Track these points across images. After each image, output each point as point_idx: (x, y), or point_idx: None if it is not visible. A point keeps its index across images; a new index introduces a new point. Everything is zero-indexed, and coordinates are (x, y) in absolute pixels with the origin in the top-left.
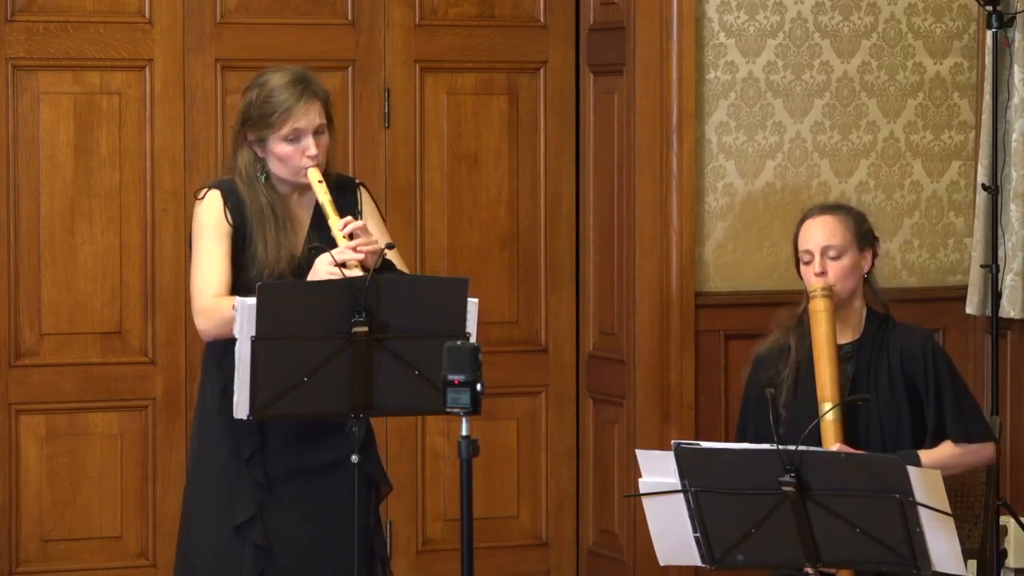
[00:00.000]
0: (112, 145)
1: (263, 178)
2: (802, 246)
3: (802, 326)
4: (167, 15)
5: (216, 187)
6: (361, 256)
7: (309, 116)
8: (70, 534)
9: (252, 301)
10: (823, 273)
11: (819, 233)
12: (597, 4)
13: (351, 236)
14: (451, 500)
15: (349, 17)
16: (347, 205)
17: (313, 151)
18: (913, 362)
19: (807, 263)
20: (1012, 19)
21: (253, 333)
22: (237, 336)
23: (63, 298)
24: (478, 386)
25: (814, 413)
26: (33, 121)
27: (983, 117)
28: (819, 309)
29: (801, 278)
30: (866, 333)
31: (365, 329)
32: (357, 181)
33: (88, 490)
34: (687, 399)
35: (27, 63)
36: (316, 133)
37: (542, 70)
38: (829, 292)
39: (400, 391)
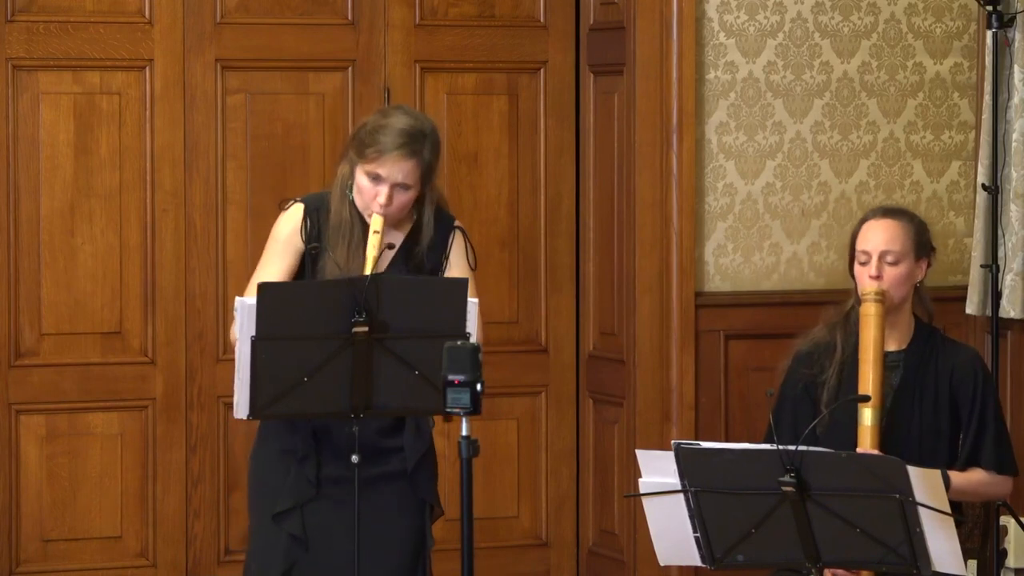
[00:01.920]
0: (112, 145)
1: (351, 195)
2: (860, 246)
3: (849, 324)
4: (167, 15)
5: (303, 201)
6: None
7: (393, 169)
8: (70, 534)
9: (252, 301)
10: (878, 277)
11: (879, 237)
12: (597, 4)
13: None
14: (451, 500)
15: (349, 17)
16: (437, 244)
17: (383, 200)
18: (962, 383)
19: (863, 264)
20: (1012, 19)
21: (253, 333)
22: (237, 336)
23: (63, 298)
24: (478, 386)
25: (855, 415)
26: (33, 121)
27: (983, 117)
28: (869, 313)
29: (853, 277)
30: (914, 344)
31: (365, 329)
32: (456, 224)
33: (88, 490)
34: (687, 399)
35: (27, 63)
36: (397, 187)
37: (542, 70)
38: (881, 297)
39: (400, 391)
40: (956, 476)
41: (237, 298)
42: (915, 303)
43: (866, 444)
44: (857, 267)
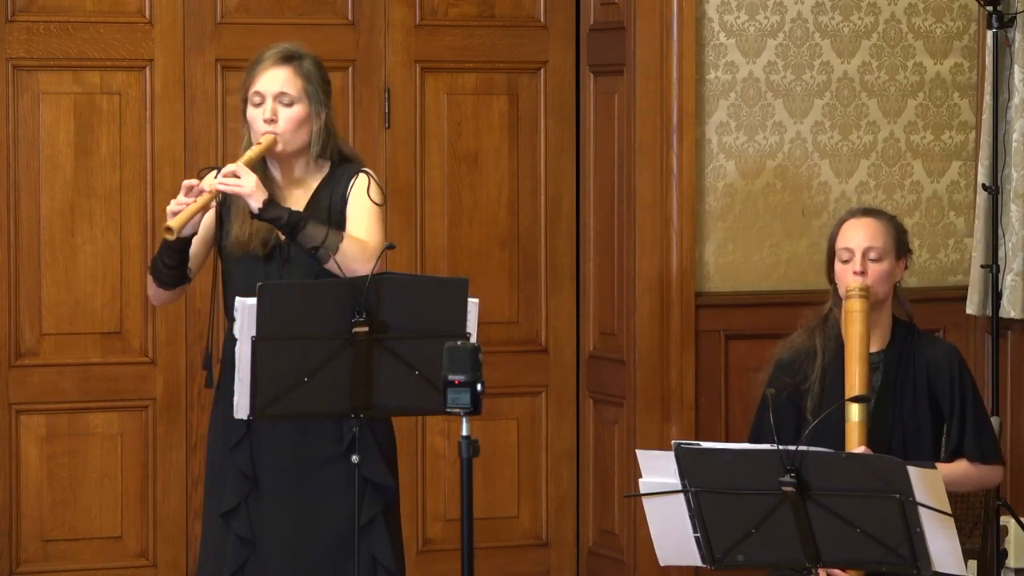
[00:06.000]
0: (112, 145)
1: None
2: (842, 244)
3: (827, 327)
4: (167, 15)
5: (215, 168)
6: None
7: (270, 80)
8: (70, 534)
9: (252, 301)
10: (863, 272)
11: (862, 234)
12: (597, 4)
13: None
14: (451, 500)
15: (349, 17)
16: (339, 183)
17: (268, 115)
18: (939, 377)
19: (846, 261)
20: (1012, 19)
21: (253, 333)
22: (237, 336)
23: (63, 298)
24: (478, 386)
25: (842, 419)
26: (33, 121)
27: (983, 117)
28: (855, 309)
29: (831, 280)
30: (893, 343)
31: (365, 329)
32: (364, 168)
33: (88, 490)
34: (687, 399)
35: (27, 63)
36: (281, 102)
37: (542, 70)
38: (866, 293)
39: (400, 391)
40: (941, 468)
41: (238, 299)
42: (894, 304)
43: (854, 440)
44: (839, 266)
